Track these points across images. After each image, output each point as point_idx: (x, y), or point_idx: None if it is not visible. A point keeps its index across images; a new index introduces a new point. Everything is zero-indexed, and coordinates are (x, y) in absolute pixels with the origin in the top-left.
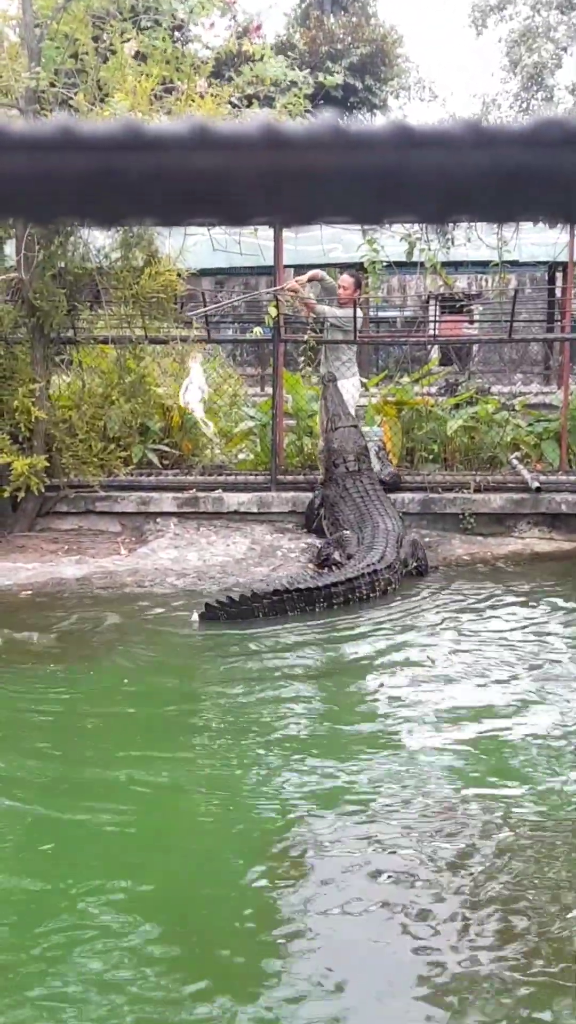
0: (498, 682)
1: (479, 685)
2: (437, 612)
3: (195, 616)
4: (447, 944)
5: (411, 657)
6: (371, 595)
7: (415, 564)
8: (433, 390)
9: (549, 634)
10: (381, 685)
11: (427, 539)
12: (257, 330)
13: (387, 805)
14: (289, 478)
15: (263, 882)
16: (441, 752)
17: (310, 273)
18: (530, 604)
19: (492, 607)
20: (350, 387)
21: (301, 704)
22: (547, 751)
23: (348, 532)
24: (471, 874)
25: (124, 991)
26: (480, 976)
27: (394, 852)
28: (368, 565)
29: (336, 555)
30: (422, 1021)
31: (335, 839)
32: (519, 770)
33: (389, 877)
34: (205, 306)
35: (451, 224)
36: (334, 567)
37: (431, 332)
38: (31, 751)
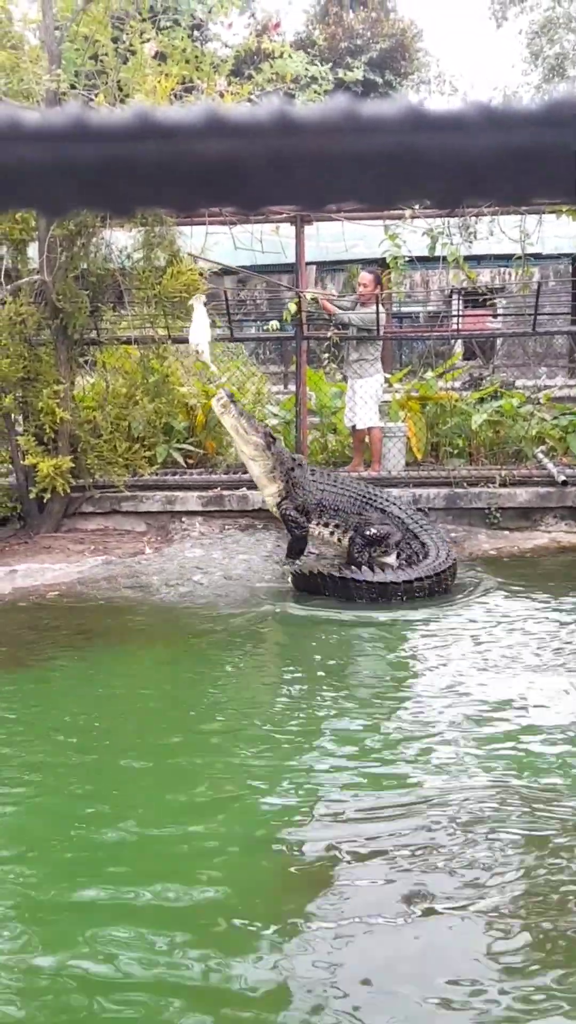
0: (539, 673)
1: (517, 676)
2: (472, 605)
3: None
4: (477, 928)
5: (448, 646)
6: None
7: None
8: (457, 384)
9: None
10: (418, 671)
11: (453, 534)
12: (273, 324)
13: (426, 788)
14: None
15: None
16: (479, 739)
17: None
18: (559, 597)
19: (523, 601)
20: (375, 384)
21: (336, 694)
22: None
23: (375, 530)
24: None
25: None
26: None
27: (430, 846)
28: (449, 558)
29: (368, 553)
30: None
31: (366, 820)
32: (558, 760)
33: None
34: (227, 305)
35: (473, 218)
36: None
37: (454, 326)
38: (54, 741)
